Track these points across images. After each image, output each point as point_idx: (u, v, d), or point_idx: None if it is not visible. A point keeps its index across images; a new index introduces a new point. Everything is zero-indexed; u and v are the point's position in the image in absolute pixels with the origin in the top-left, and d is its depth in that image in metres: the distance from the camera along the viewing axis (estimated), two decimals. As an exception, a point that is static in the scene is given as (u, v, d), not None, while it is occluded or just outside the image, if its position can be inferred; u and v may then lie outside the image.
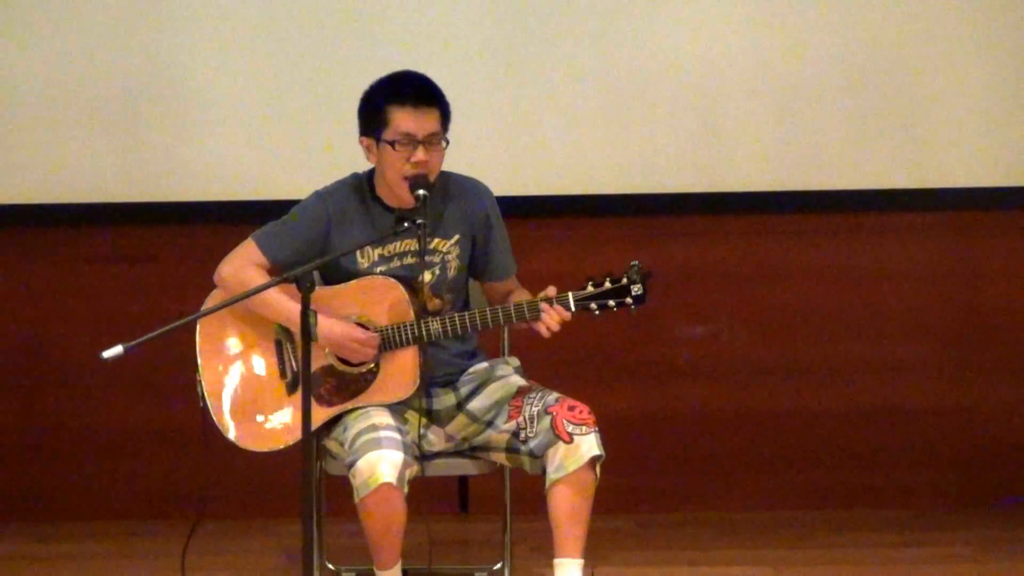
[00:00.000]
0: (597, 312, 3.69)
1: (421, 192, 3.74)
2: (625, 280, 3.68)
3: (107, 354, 3.20)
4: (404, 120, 3.76)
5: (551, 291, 3.71)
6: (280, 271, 3.82)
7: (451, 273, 3.91)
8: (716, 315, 5.02)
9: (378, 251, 3.87)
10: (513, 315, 3.74)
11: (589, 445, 3.72)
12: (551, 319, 3.69)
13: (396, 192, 3.82)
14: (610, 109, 4.89)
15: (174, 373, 4.72)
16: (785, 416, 5.03)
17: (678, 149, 4.90)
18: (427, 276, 3.87)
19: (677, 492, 5.06)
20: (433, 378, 3.88)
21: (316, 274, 3.90)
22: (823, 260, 5.00)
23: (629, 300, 3.67)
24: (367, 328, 3.79)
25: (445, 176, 3.91)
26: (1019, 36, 4.89)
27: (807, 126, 4.90)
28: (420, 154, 3.76)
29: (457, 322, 3.79)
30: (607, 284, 3.68)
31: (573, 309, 3.69)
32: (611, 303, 3.68)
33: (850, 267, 5.00)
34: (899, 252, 5.00)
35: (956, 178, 4.91)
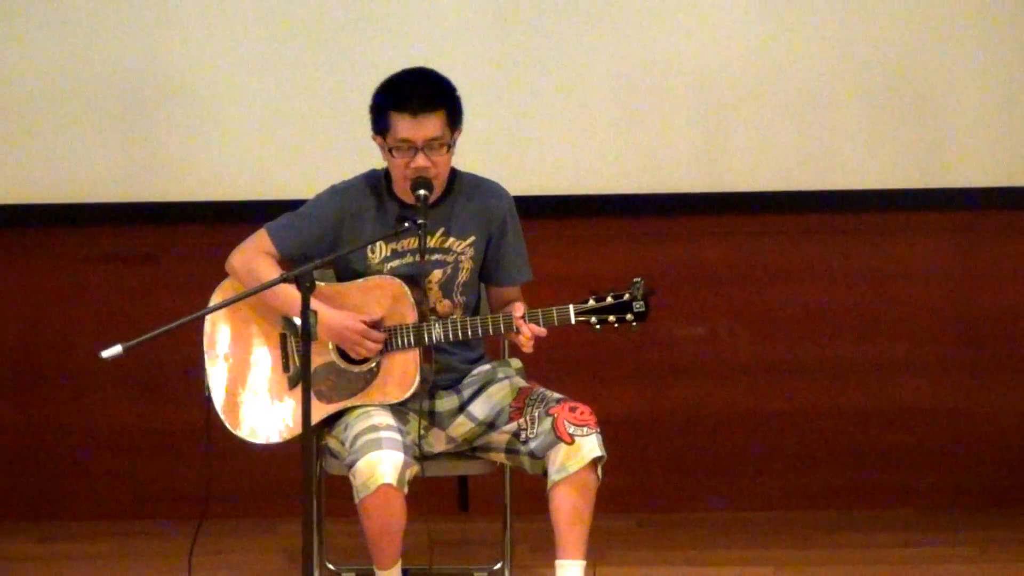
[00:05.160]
0: (598, 327, 3.69)
1: (421, 192, 3.75)
2: (627, 296, 3.68)
3: (106, 353, 3.21)
4: (402, 127, 3.76)
5: (519, 309, 3.72)
6: (290, 263, 3.83)
7: (464, 275, 3.91)
8: (716, 315, 5.02)
9: (390, 246, 3.88)
10: (491, 327, 3.76)
11: (591, 446, 3.72)
12: (525, 336, 3.69)
13: (405, 192, 3.83)
14: (612, 109, 4.88)
15: (175, 373, 4.75)
16: (785, 416, 5.02)
17: (680, 149, 4.90)
18: (437, 275, 3.87)
19: (677, 492, 5.05)
20: (436, 382, 3.88)
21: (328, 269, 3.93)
22: (824, 260, 4.99)
23: (630, 317, 3.68)
24: (377, 328, 3.79)
25: (466, 177, 3.92)
26: None
27: (808, 126, 4.90)
28: (420, 160, 3.76)
29: (459, 327, 3.79)
30: (609, 299, 3.69)
31: (573, 322, 3.70)
32: (611, 318, 3.69)
33: (851, 267, 5.00)
34: (900, 252, 5.00)
35: (958, 178, 4.91)
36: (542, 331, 3.71)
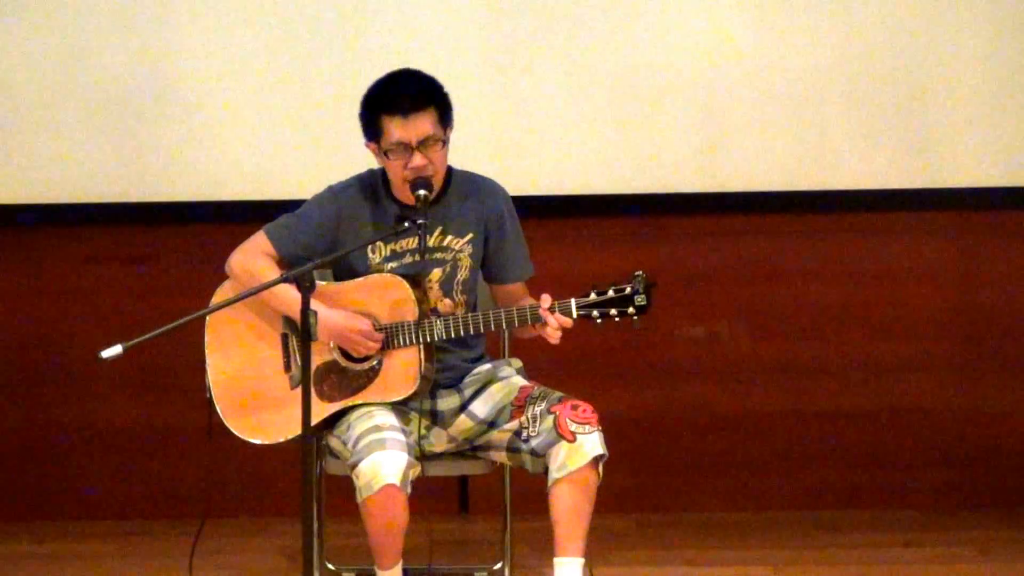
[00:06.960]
0: (599, 320, 3.69)
1: (421, 192, 3.75)
2: (628, 290, 3.67)
3: (106, 354, 3.21)
4: (395, 129, 3.75)
5: (546, 300, 3.71)
6: (289, 264, 3.83)
7: (463, 273, 3.91)
8: (715, 315, 5.02)
9: (390, 246, 3.88)
10: (516, 319, 3.74)
11: (592, 444, 3.73)
12: (552, 327, 3.69)
13: (403, 193, 3.83)
14: (611, 109, 4.89)
15: (175, 372, 4.75)
16: (785, 416, 5.03)
17: (679, 149, 4.91)
18: (436, 274, 3.87)
19: (677, 492, 5.05)
20: (438, 380, 3.88)
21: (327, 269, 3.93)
22: (823, 260, 5.00)
23: (631, 310, 3.68)
24: (374, 326, 3.80)
25: (462, 175, 3.93)
26: (1021, 37, 4.89)
27: (808, 126, 4.90)
28: (416, 159, 3.76)
29: (460, 324, 3.79)
30: (610, 293, 3.68)
31: (575, 316, 3.69)
32: (613, 312, 3.68)
33: (850, 267, 5.00)
34: (900, 252, 5.00)
35: (957, 178, 4.91)
36: (568, 321, 3.69)
